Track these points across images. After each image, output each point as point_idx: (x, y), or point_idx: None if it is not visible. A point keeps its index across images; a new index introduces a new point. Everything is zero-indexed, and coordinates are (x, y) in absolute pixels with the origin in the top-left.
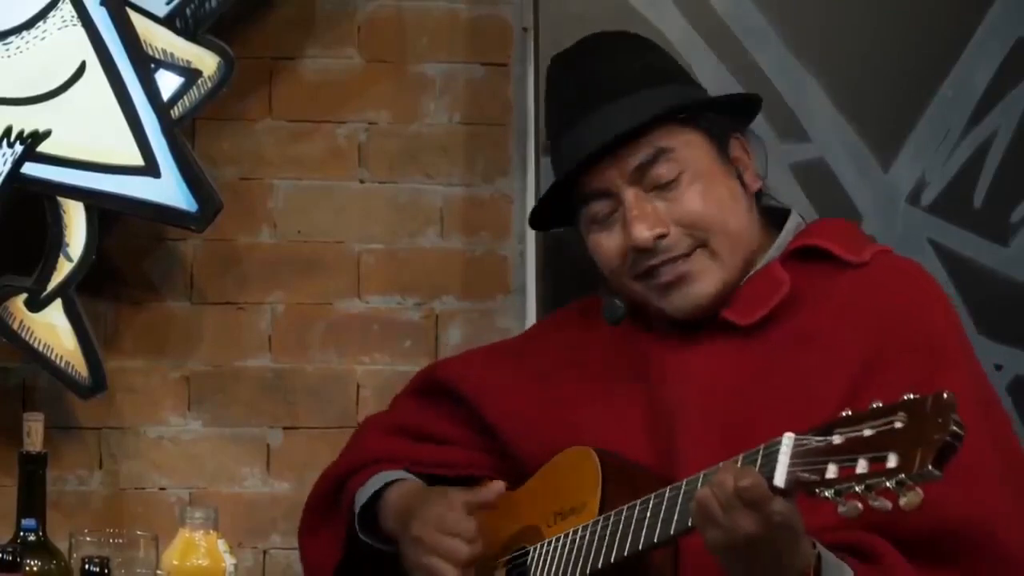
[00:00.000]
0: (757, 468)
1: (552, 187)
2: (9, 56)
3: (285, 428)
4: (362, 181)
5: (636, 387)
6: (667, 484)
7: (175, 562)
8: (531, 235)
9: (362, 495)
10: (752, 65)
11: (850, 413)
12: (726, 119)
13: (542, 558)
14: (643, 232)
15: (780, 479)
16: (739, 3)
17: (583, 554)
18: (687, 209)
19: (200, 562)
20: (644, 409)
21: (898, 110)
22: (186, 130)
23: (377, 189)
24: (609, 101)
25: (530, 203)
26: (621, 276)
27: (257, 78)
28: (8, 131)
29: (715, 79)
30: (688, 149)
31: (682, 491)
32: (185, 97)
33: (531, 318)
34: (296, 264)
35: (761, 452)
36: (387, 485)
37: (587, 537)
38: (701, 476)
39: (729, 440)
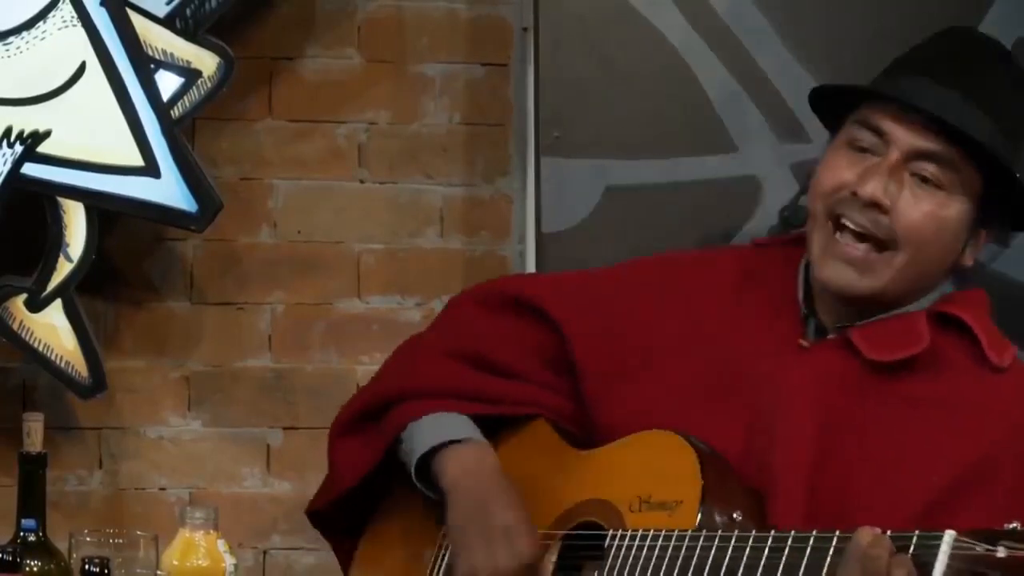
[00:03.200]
0: (910, 554)
1: (868, 86)
2: (9, 56)
3: (285, 428)
4: (362, 181)
5: (744, 384)
6: (757, 495)
7: (175, 562)
8: (531, 235)
9: (416, 435)
10: (752, 65)
11: (1019, 527)
12: (1004, 202)
13: (623, 550)
14: (872, 191)
15: None
16: (739, 3)
17: (678, 568)
18: (913, 213)
19: (200, 562)
20: (747, 411)
21: None
22: (186, 130)
23: (377, 189)
24: (977, 104)
25: (530, 203)
26: (823, 199)
27: (257, 78)
28: (8, 131)
29: (715, 79)
30: (965, 183)
31: (810, 545)
32: (185, 97)
33: None
34: (296, 264)
35: (916, 539)
36: (448, 443)
37: (683, 550)
38: (835, 538)
39: (824, 478)
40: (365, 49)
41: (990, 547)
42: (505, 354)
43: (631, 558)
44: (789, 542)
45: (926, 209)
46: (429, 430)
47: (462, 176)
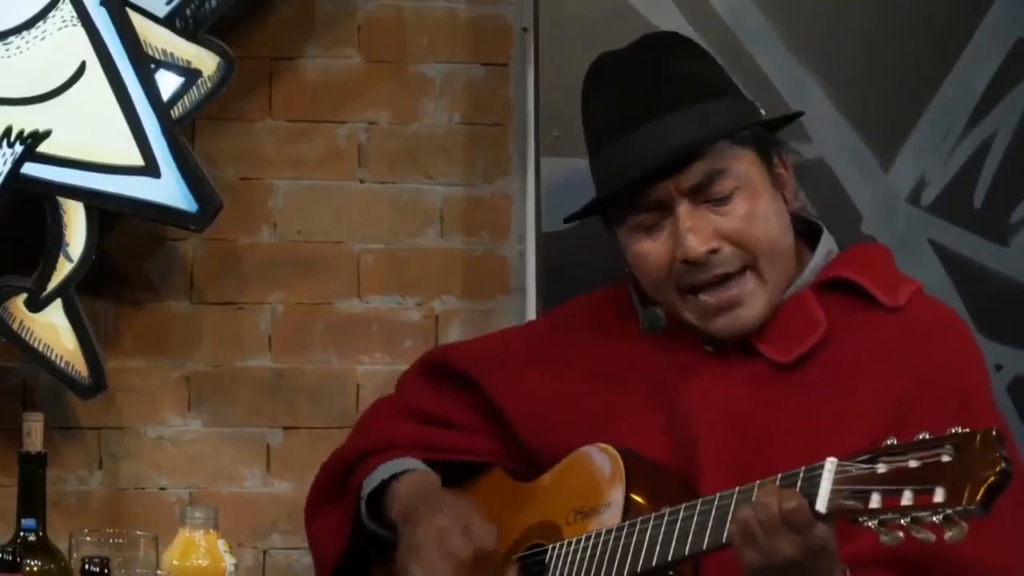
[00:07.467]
0: (797, 490)
1: (601, 194)
2: (9, 56)
3: (285, 428)
4: (362, 181)
5: (658, 399)
6: (689, 490)
7: (175, 562)
8: (531, 235)
9: (369, 483)
10: (752, 65)
11: (895, 442)
12: (770, 134)
13: (561, 559)
14: (697, 246)
15: (822, 505)
16: (739, 3)
17: (606, 560)
18: (738, 226)
19: (200, 562)
20: (666, 422)
21: (898, 110)
22: (186, 130)
23: (377, 189)
24: (670, 111)
25: (530, 203)
26: (664, 287)
27: (257, 78)
28: (8, 131)
29: None
30: (741, 166)
31: (715, 506)
32: (185, 97)
33: (531, 318)
34: (296, 264)
35: (802, 475)
36: (396, 475)
37: (610, 543)
38: (736, 492)
39: (749, 472)
40: (365, 49)
41: (868, 465)
42: (448, 411)
43: (567, 564)
44: (698, 507)
45: (742, 214)
46: (378, 475)
47: (462, 176)
